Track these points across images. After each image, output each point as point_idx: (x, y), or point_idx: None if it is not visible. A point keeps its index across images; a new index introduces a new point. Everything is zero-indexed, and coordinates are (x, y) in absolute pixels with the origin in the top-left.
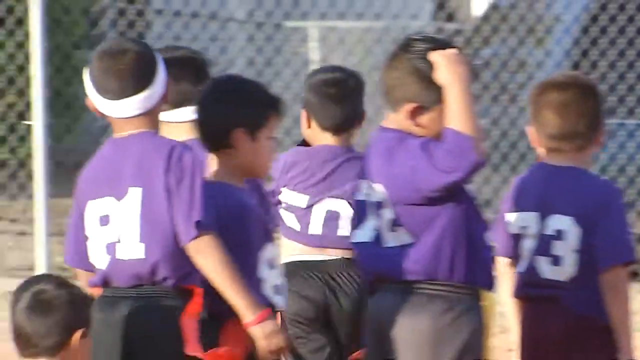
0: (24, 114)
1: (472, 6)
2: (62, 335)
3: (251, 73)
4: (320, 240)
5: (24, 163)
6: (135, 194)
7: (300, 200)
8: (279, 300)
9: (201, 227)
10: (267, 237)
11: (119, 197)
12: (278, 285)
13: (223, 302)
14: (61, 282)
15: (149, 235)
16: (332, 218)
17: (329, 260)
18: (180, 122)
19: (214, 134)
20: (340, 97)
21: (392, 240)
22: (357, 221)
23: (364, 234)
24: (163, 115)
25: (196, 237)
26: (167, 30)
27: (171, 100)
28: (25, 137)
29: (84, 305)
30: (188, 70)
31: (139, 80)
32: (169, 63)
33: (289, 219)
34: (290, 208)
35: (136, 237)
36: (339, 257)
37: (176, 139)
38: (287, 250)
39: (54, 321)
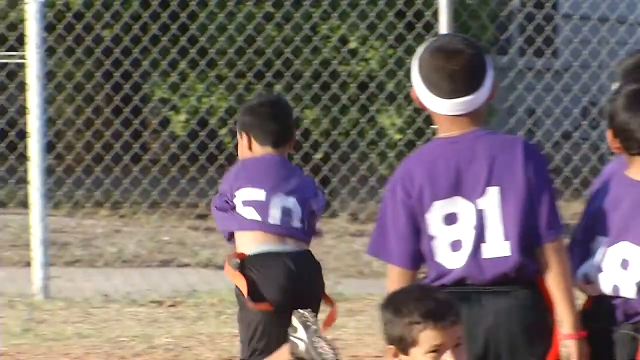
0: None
1: None
2: None
3: None
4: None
5: None
6: (493, 193)
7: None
8: None
9: (562, 228)
10: None
11: (472, 197)
12: None
13: None
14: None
15: (513, 232)
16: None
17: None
18: None
19: None
20: (277, 116)
21: None
22: None
23: None
24: None
25: (557, 238)
26: (574, 34)
27: None
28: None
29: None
30: None
31: (471, 82)
32: None
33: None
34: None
35: (500, 236)
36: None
37: None
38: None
39: None
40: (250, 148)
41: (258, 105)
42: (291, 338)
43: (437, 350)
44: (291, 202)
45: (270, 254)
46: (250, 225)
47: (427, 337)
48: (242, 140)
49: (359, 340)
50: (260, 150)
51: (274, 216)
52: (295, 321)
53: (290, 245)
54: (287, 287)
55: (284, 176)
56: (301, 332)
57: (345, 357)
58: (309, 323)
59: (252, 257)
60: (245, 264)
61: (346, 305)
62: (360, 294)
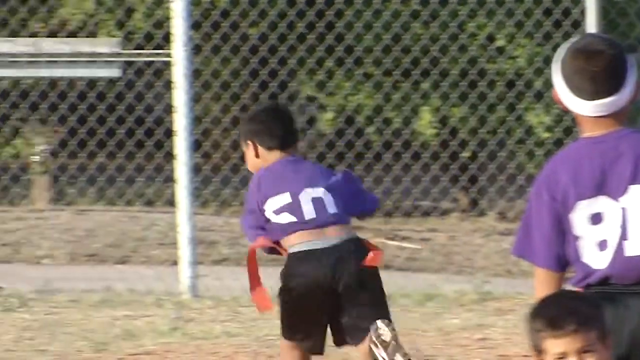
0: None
1: None
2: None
3: None
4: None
5: None
6: (637, 191)
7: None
8: None
9: None
10: None
11: (616, 196)
12: None
13: None
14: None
15: None
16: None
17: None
18: None
19: None
20: (279, 118)
21: None
22: None
23: None
24: None
25: None
26: None
27: None
28: None
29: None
30: None
31: (612, 83)
32: None
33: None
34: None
35: None
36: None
37: None
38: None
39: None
40: (257, 155)
41: (258, 113)
42: (374, 351)
43: (562, 358)
44: (319, 191)
45: (305, 251)
46: (289, 228)
47: (550, 345)
48: (249, 151)
49: (508, 339)
50: (267, 155)
51: (308, 211)
52: (372, 337)
53: (330, 238)
54: (316, 284)
55: (300, 172)
56: (381, 351)
57: (493, 356)
58: (384, 338)
59: (290, 255)
60: (286, 263)
61: (494, 304)
62: (508, 293)
